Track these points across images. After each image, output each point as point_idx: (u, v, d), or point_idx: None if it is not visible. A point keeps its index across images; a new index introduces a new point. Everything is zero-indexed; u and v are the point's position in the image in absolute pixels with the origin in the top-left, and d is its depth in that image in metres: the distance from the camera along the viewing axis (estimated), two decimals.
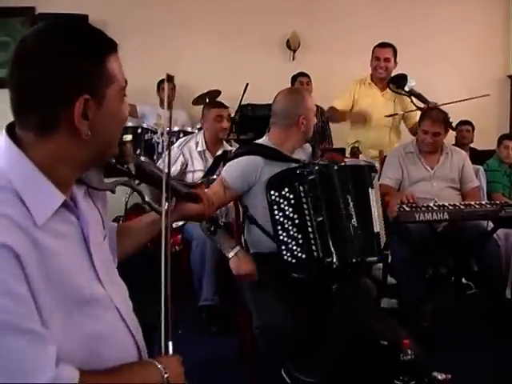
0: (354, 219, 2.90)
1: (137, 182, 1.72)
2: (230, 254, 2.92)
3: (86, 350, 1.36)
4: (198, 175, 4.54)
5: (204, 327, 4.00)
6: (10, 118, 1.35)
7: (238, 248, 2.94)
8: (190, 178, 4.53)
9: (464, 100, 5.20)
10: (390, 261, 4.26)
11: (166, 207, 1.66)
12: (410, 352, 2.56)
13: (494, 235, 4.10)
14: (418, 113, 5.14)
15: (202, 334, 3.92)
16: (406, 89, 5.15)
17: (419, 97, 5.18)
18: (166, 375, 1.45)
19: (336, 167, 2.95)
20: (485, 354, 3.64)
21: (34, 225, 1.26)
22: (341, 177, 2.93)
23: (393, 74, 5.30)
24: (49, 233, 1.29)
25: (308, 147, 3.33)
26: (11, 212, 1.22)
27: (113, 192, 1.60)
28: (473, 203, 3.93)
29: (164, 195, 1.61)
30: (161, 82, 6.23)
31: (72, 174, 1.39)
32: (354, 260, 2.90)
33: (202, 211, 1.95)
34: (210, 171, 4.53)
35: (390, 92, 5.29)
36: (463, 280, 4.70)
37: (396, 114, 5.24)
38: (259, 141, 3.29)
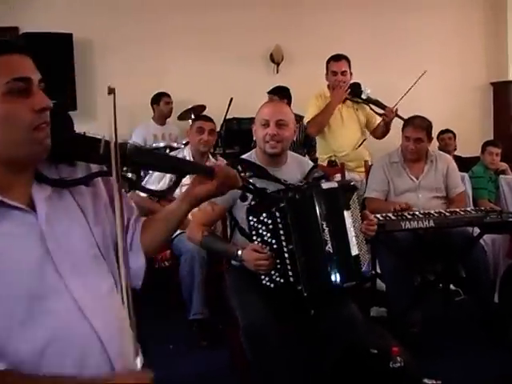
0: (329, 245, 2.82)
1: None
2: (240, 251, 2.94)
3: (42, 348, 1.42)
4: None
5: (195, 341, 4.01)
6: None
7: (241, 248, 2.97)
8: (177, 192, 4.53)
9: (409, 90, 5.23)
10: (378, 269, 4.28)
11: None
12: (399, 359, 2.58)
13: (481, 241, 4.14)
14: (379, 118, 5.21)
15: (193, 348, 3.92)
16: (363, 97, 5.21)
17: (377, 103, 5.24)
18: None
19: (310, 192, 2.87)
20: (474, 359, 3.66)
21: None
22: (313, 203, 2.84)
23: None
24: None
25: (307, 164, 3.32)
26: None
27: (85, 185, 1.63)
28: (458, 210, 3.96)
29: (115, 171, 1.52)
30: (160, 96, 6.26)
31: (4, 176, 1.46)
32: (327, 288, 2.86)
33: (218, 188, 1.87)
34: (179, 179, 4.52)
35: (349, 102, 5.33)
36: (451, 286, 4.72)
37: (364, 140, 5.26)
38: (245, 155, 3.31)
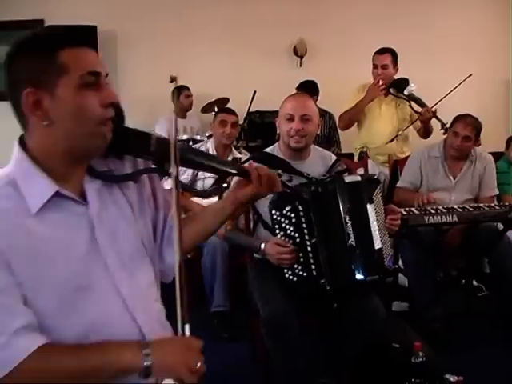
0: (352, 238, 2.82)
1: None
2: (263, 245, 2.95)
3: (84, 335, 1.49)
4: (209, 182, 4.56)
5: (216, 333, 4.02)
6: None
7: (263, 242, 2.98)
8: (200, 185, 4.55)
9: (451, 91, 5.17)
10: (401, 264, 4.27)
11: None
12: (421, 354, 2.57)
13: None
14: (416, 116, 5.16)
15: (215, 341, 3.92)
16: (405, 93, 5.14)
17: (418, 101, 5.16)
18: (146, 362, 1.46)
19: (333, 186, 2.86)
20: (497, 356, 3.64)
21: (29, 214, 1.44)
22: (337, 196, 2.84)
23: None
24: (44, 222, 1.46)
25: (330, 158, 3.31)
26: (7, 204, 1.43)
27: (134, 181, 1.69)
28: (482, 205, 3.94)
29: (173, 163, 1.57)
30: (180, 89, 6.25)
31: (63, 165, 1.52)
32: (349, 281, 2.85)
33: (257, 191, 1.89)
34: (220, 180, 4.54)
35: (391, 97, 5.29)
36: (474, 282, 4.69)
37: (396, 136, 5.21)
38: (268, 149, 3.31)
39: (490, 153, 4.68)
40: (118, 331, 1.53)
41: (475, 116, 4.34)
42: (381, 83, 5.10)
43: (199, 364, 1.52)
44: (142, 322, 1.59)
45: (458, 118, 4.31)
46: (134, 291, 1.60)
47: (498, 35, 6.97)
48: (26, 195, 1.45)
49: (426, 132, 5.25)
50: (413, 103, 5.19)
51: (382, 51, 5.24)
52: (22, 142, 1.53)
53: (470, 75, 5.27)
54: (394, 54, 5.24)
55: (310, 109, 3.16)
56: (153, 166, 1.69)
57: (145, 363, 1.46)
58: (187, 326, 1.52)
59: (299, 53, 6.64)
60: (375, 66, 5.25)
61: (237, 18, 6.44)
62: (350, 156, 5.49)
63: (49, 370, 1.42)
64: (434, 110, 5.04)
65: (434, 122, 5.10)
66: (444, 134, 4.88)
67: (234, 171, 1.94)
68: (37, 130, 1.47)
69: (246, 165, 2.01)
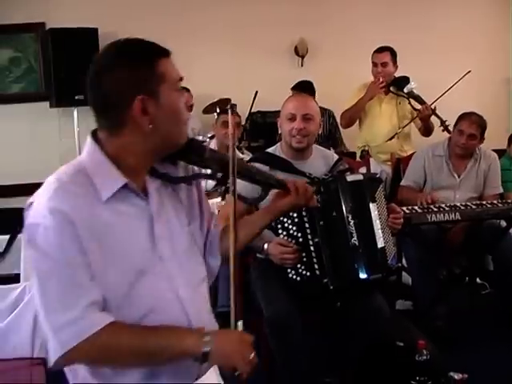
0: (355, 237, 2.82)
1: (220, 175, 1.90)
2: (266, 245, 2.95)
3: (139, 319, 1.61)
4: (211, 183, 4.56)
5: None
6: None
7: (267, 242, 2.98)
8: (202, 185, 4.55)
9: (450, 88, 5.17)
10: (404, 262, 4.27)
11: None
12: (425, 352, 2.57)
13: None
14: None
15: None
16: (405, 90, 5.15)
17: (417, 99, 5.17)
18: (205, 348, 1.58)
19: (335, 185, 2.86)
20: (501, 353, 3.64)
21: (99, 200, 1.57)
22: (339, 195, 2.84)
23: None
24: (110, 210, 1.59)
25: (332, 157, 3.31)
26: (81, 190, 1.56)
27: (188, 184, 1.85)
28: (484, 203, 3.94)
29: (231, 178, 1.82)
30: None
31: (139, 163, 1.67)
32: (353, 280, 2.86)
33: (295, 202, 2.07)
34: (221, 182, 4.53)
35: (391, 95, 5.30)
36: (478, 280, 4.69)
37: (396, 134, 5.21)
38: (270, 149, 3.31)
39: (493, 150, 4.68)
40: (169, 319, 1.63)
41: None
42: (381, 80, 5.11)
43: (252, 355, 1.67)
44: (192, 314, 1.69)
45: (462, 116, 4.30)
46: (186, 284, 1.72)
47: (499, 34, 6.95)
48: (97, 184, 1.59)
49: (426, 129, 5.25)
50: (412, 101, 5.20)
51: (380, 49, 5.26)
52: (95, 137, 1.67)
53: (469, 71, 5.28)
54: (392, 52, 5.26)
55: (312, 108, 3.17)
56: (208, 173, 1.89)
57: (204, 349, 1.58)
58: (240, 323, 1.71)
59: (300, 53, 6.63)
60: (375, 65, 5.26)
61: (238, 18, 6.43)
62: (353, 155, 5.50)
63: (117, 345, 1.54)
64: (433, 107, 5.05)
65: (434, 119, 5.11)
66: (443, 131, 4.90)
67: (276, 184, 2.10)
68: (134, 133, 1.61)
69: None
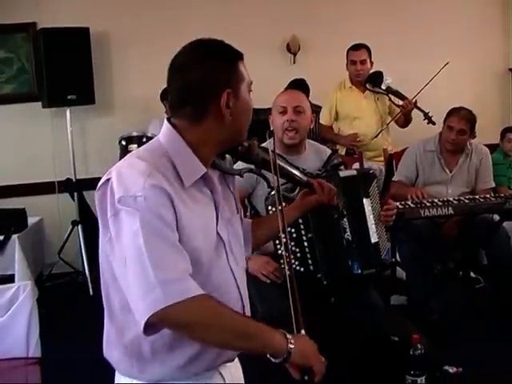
0: (348, 233, 2.83)
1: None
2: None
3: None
4: None
5: None
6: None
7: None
8: None
9: (429, 81, 5.20)
10: (398, 257, 4.29)
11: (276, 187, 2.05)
12: (420, 347, 2.58)
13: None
14: (397, 108, 5.20)
15: None
16: (383, 87, 5.18)
17: (396, 94, 5.21)
18: (290, 345, 1.69)
19: (328, 181, 2.76)
20: (495, 346, 3.66)
21: (181, 186, 1.66)
22: None
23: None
24: (189, 196, 1.68)
25: (325, 152, 3.32)
26: (167, 173, 1.64)
27: (241, 176, 1.95)
28: (477, 197, 3.95)
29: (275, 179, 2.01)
30: (166, 91, 6.26)
31: (211, 153, 1.78)
32: (346, 275, 2.87)
33: (320, 199, 2.29)
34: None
35: (369, 92, 5.32)
36: (472, 274, 4.71)
37: (382, 131, 5.25)
38: (264, 144, 3.31)
39: (485, 145, 4.70)
40: (229, 299, 1.75)
41: (470, 108, 4.35)
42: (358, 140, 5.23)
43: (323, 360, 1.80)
44: (244, 299, 1.86)
45: (451, 112, 4.31)
46: (239, 268, 1.86)
47: (493, 28, 6.96)
48: (181, 170, 1.67)
49: (406, 122, 5.30)
50: (392, 96, 5.23)
51: (357, 47, 5.31)
52: (173, 126, 1.76)
53: (447, 63, 5.29)
54: (368, 49, 5.30)
55: (303, 101, 3.19)
56: (254, 168, 2.04)
57: (290, 346, 1.69)
58: (303, 331, 1.84)
59: (292, 50, 6.61)
60: (353, 62, 5.31)
61: (229, 15, 6.41)
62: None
63: (222, 315, 1.62)
64: (414, 100, 5.09)
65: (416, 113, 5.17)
66: (428, 123, 4.94)
67: (304, 182, 2.31)
68: (215, 124, 1.72)
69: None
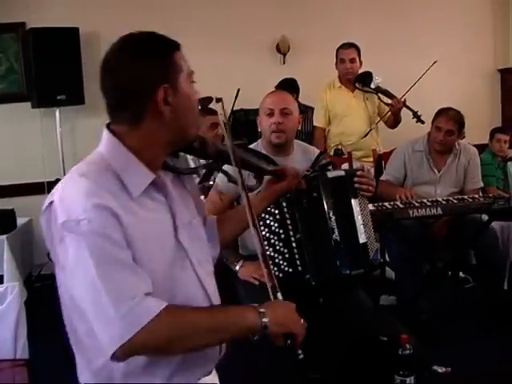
0: (336, 233, 2.82)
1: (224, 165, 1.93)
2: (237, 267, 3.06)
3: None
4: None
5: None
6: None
7: (242, 260, 3.08)
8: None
9: (418, 80, 5.23)
10: (387, 257, 4.30)
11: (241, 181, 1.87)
12: (408, 347, 2.59)
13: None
14: (387, 108, 5.22)
15: None
16: (372, 86, 5.20)
17: (386, 93, 5.23)
18: (264, 319, 1.63)
19: (316, 181, 2.85)
20: (484, 346, 3.67)
21: (130, 197, 1.57)
22: (320, 191, 2.83)
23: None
24: (140, 205, 1.60)
25: (313, 152, 3.32)
26: (112, 187, 1.55)
27: (197, 174, 1.93)
28: (466, 197, 3.96)
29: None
30: None
31: (159, 156, 1.69)
32: (334, 276, 2.87)
33: (287, 185, 2.15)
34: (205, 178, 4.55)
35: (358, 91, 5.34)
36: (461, 274, 4.73)
37: (370, 130, 5.27)
38: (252, 145, 3.32)
39: (474, 145, 4.72)
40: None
41: (459, 109, 4.37)
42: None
43: (302, 320, 1.76)
44: (212, 297, 1.77)
45: (439, 113, 4.33)
46: (204, 273, 1.76)
47: (482, 28, 7.00)
48: (127, 182, 1.58)
49: (395, 122, 5.31)
50: (381, 95, 5.25)
51: (346, 46, 5.33)
52: (113, 133, 1.65)
53: (435, 61, 5.33)
54: (358, 49, 5.32)
55: (290, 103, 3.19)
56: (211, 163, 1.93)
57: (263, 319, 1.62)
58: (279, 294, 1.79)
59: (282, 50, 6.62)
60: (342, 61, 5.32)
61: (219, 16, 6.41)
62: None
63: (183, 322, 1.55)
64: (403, 99, 5.11)
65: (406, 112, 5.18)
66: (417, 122, 4.96)
67: (267, 170, 2.17)
68: (155, 124, 1.62)
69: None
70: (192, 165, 3.85)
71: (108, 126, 1.68)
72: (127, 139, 1.63)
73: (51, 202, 1.55)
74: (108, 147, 1.64)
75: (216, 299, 1.81)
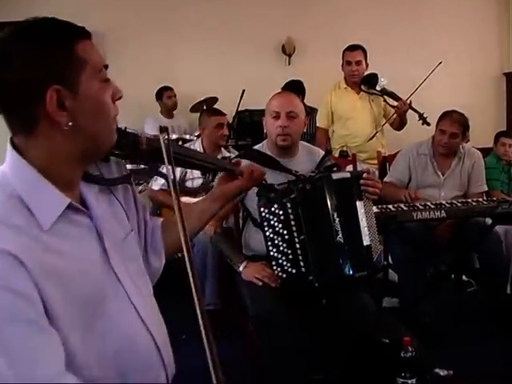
0: (340, 235, 2.81)
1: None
2: (241, 268, 3.04)
3: (108, 364, 1.38)
4: (198, 182, 4.59)
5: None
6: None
7: (246, 261, 3.06)
8: (189, 184, 4.58)
9: (423, 82, 5.22)
10: (390, 260, 4.30)
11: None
12: (410, 349, 2.59)
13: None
14: (393, 110, 5.22)
15: None
16: (378, 88, 5.20)
17: (391, 95, 5.22)
18: None
19: (321, 183, 2.85)
20: (486, 349, 3.67)
21: (40, 229, 1.29)
22: (325, 193, 2.83)
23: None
24: (57, 236, 1.31)
25: (318, 153, 3.33)
26: (18, 222, 1.26)
27: (129, 183, 1.64)
28: (469, 201, 3.96)
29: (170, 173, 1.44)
30: (162, 90, 6.30)
31: (72, 172, 1.40)
32: (338, 277, 2.87)
33: (245, 184, 1.97)
34: (209, 178, 4.57)
35: (363, 93, 5.34)
36: (464, 277, 4.72)
37: (377, 133, 5.26)
38: (257, 146, 3.33)
39: (479, 148, 4.71)
40: (138, 344, 1.47)
41: (464, 112, 4.36)
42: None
43: None
44: (155, 333, 1.52)
45: (443, 115, 4.33)
46: (142, 298, 1.52)
47: (488, 31, 7.00)
48: (36, 211, 1.29)
49: (401, 124, 5.31)
50: (387, 97, 5.25)
51: (353, 48, 5.32)
52: (16, 147, 1.35)
53: (440, 62, 5.34)
54: (364, 50, 5.32)
55: (296, 106, 3.18)
56: (144, 167, 1.68)
57: None
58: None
59: (287, 51, 6.65)
60: (348, 63, 5.32)
61: (225, 16, 6.44)
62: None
63: None
64: (409, 101, 5.11)
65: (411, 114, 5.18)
66: (423, 124, 4.96)
67: (221, 167, 1.97)
68: (51, 135, 1.33)
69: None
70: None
71: (12, 140, 1.37)
72: (28, 152, 1.34)
73: None
74: (11, 167, 1.34)
75: (160, 334, 1.55)
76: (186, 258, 1.29)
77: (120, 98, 1.45)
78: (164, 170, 1.56)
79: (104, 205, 1.52)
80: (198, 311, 1.26)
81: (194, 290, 1.29)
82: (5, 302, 1.18)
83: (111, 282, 1.44)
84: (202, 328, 1.26)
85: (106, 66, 1.43)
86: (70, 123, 1.32)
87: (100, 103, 1.38)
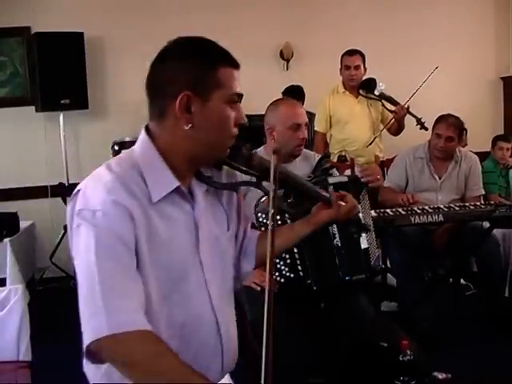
0: (338, 239, 2.82)
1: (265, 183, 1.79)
2: None
3: (174, 334, 1.59)
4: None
5: None
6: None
7: None
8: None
9: (420, 86, 5.23)
10: (388, 264, 4.30)
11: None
12: (409, 353, 2.59)
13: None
14: (391, 115, 5.23)
15: None
16: (376, 93, 5.21)
17: (389, 100, 5.23)
18: None
19: (317, 187, 2.86)
20: (484, 353, 3.68)
21: (149, 201, 1.55)
22: None
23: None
24: (158, 212, 1.57)
25: (314, 157, 3.34)
26: (134, 188, 1.53)
27: (235, 191, 1.85)
28: (467, 204, 3.98)
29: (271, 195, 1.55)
30: None
31: (184, 165, 1.64)
32: (335, 281, 2.87)
33: (333, 215, 1.99)
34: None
35: (362, 98, 5.35)
36: (462, 281, 4.73)
37: (375, 138, 5.27)
38: (255, 151, 3.33)
39: (476, 152, 4.73)
40: (204, 328, 1.66)
41: (462, 116, 4.38)
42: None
43: None
44: (221, 323, 1.70)
45: (439, 119, 4.35)
46: (219, 293, 1.71)
47: (486, 36, 7.01)
48: (150, 183, 1.56)
49: (399, 129, 5.32)
50: (385, 102, 5.26)
51: (351, 52, 5.32)
52: (148, 131, 1.65)
53: (437, 67, 5.35)
54: (362, 55, 5.32)
55: (306, 116, 3.26)
56: (253, 181, 1.80)
57: None
58: None
59: (285, 56, 6.64)
60: (347, 68, 5.32)
61: (222, 22, 6.43)
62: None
63: (161, 356, 1.42)
64: (407, 106, 5.12)
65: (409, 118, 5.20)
66: (420, 129, 4.97)
67: (320, 198, 2.02)
68: (174, 129, 1.59)
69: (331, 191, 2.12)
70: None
71: (147, 127, 1.68)
72: (157, 139, 1.63)
73: (78, 190, 1.55)
74: (140, 147, 1.64)
75: (226, 326, 1.73)
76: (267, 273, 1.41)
77: (242, 124, 1.70)
78: (268, 188, 1.68)
79: (207, 203, 1.73)
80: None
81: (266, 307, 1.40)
82: (109, 242, 1.46)
83: (195, 268, 1.65)
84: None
85: (241, 96, 1.68)
86: (189, 126, 1.57)
87: (220, 119, 1.62)
